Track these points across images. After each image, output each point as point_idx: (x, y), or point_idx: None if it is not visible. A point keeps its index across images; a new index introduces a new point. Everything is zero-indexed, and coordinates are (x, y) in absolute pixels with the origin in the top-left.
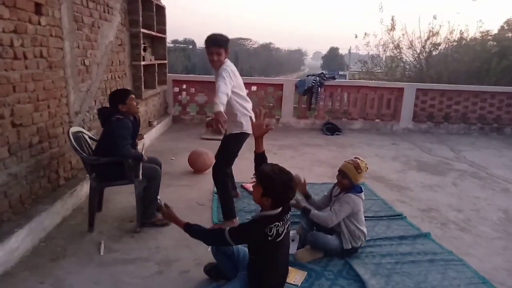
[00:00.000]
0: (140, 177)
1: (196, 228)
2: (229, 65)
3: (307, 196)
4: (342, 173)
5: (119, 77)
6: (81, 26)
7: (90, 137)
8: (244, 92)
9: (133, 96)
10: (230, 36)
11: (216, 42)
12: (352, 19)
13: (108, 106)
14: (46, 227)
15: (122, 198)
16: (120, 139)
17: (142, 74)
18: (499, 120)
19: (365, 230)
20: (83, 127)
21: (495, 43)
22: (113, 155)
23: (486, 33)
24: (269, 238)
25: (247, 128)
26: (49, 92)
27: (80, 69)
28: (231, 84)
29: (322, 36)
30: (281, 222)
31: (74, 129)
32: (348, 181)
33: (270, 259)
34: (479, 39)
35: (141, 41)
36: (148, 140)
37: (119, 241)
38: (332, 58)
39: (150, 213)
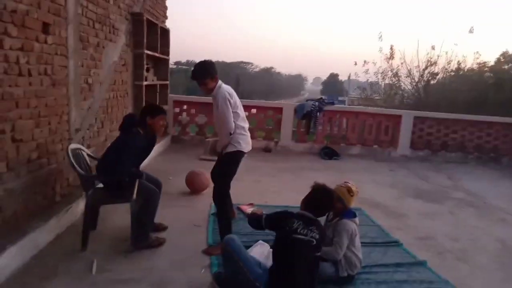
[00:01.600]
0: (134, 196)
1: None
2: (222, 90)
3: None
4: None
5: (121, 96)
6: (86, 45)
7: (88, 155)
8: (241, 111)
9: (164, 116)
10: (232, 59)
11: (194, 77)
12: (352, 46)
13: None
14: (39, 244)
15: (117, 217)
16: (125, 155)
17: (143, 94)
18: (496, 150)
19: (361, 256)
20: (83, 145)
21: (491, 75)
22: (112, 169)
23: (483, 64)
24: (287, 228)
25: (243, 147)
26: (51, 109)
27: (83, 87)
28: (230, 109)
29: (323, 62)
30: (305, 225)
31: (73, 146)
32: (341, 204)
33: (287, 260)
34: (476, 70)
35: (145, 62)
36: (147, 160)
37: (113, 261)
38: (332, 84)
39: (145, 236)
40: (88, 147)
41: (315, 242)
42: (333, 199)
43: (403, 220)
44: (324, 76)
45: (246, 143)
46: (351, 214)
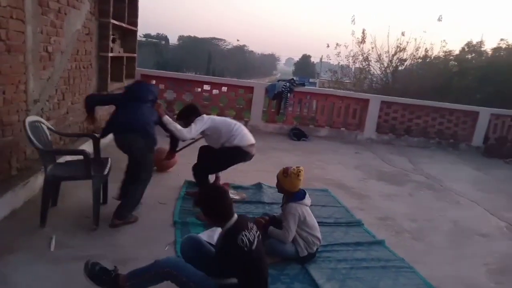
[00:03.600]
0: (92, 173)
1: None
2: (199, 119)
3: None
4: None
5: (84, 67)
6: (46, 11)
7: (48, 128)
8: (229, 126)
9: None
10: (205, 35)
11: (178, 118)
12: (325, 28)
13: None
14: None
15: (79, 193)
16: None
17: (109, 66)
18: (455, 136)
19: (318, 234)
20: (42, 117)
21: (456, 63)
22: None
23: (448, 52)
24: (245, 249)
25: (239, 142)
26: (6, 77)
27: (42, 55)
28: (196, 130)
29: (296, 43)
30: (246, 230)
31: (31, 118)
32: (278, 184)
33: (255, 275)
34: (442, 58)
35: (110, 32)
36: (112, 135)
37: (74, 237)
38: (304, 65)
39: (130, 212)
40: (48, 119)
41: (260, 236)
42: (225, 198)
43: (365, 200)
44: (296, 57)
45: (243, 140)
46: (298, 196)
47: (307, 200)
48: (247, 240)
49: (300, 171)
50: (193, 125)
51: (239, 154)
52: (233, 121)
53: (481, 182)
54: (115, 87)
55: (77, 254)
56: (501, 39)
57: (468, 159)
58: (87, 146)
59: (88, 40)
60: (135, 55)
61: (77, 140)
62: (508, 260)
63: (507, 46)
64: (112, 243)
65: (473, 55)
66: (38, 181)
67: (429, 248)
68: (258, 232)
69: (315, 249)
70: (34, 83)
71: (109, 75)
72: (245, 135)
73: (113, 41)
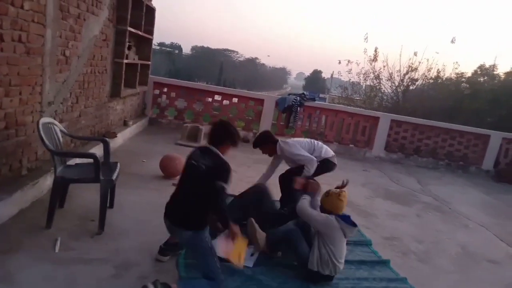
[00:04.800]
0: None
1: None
2: (283, 145)
3: None
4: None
5: (99, 72)
6: (66, 16)
7: (61, 130)
8: (310, 145)
9: None
10: (217, 46)
11: (253, 145)
12: (338, 45)
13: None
14: (1, 218)
15: (86, 196)
16: None
17: (123, 72)
18: (465, 159)
19: (338, 264)
20: (55, 118)
21: (468, 85)
22: None
23: (460, 74)
24: (188, 156)
25: (325, 155)
26: (23, 79)
27: (59, 59)
28: (304, 150)
29: (307, 57)
30: (200, 155)
31: (45, 119)
32: (321, 205)
33: (181, 180)
34: (454, 79)
35: (127, 39)
36: (122, 140)
37: (78, 239)
38: (315, 80)
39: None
40: (60, 121)
41: (204, 168)
42: (228, 129)
43: (371, 219)
44: (307, 72)
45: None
46: (341, 217)
47: (346, 226)
48: (192, 155)
49: (341, 193)
50: (300, 154)
51: (326, 165)
52: (311, 140)
53: (491, 206)
54: (128, 93)
55: (80, 256)
56: None
57: (478, 182)
58: (97, 150)
59: (104, 46)
60: (149, 62)
61: (87, 143)
62: None
63: None
64: (115, 247)
65: (486, 78)
66: (47, 182)
67: (435, 271)
68: (205, 165)
69: (326, 272)
70: (50, 85)
71: (123, 81)
72: (326, 148)
73: (129, 48)
